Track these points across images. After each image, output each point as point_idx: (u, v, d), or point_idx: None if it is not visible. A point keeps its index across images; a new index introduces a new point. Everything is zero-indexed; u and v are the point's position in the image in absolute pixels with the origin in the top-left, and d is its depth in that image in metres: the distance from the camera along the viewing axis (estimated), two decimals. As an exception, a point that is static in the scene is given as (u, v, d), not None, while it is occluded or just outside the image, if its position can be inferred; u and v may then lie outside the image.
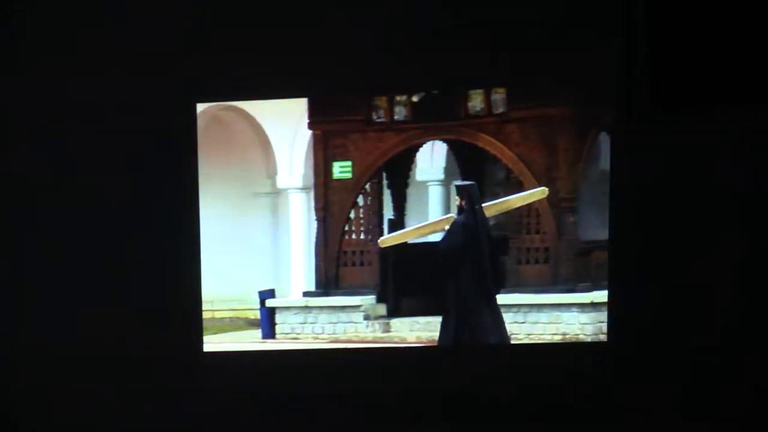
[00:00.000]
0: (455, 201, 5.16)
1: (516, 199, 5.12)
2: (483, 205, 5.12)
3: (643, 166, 4.74)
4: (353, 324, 5.26)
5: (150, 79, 5.00)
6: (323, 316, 5.30)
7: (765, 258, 4.74)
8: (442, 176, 5.40)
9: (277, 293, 5.38)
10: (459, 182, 5.19)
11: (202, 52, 4.94)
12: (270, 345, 5.31)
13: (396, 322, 5.27)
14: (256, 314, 5.34)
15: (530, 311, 5.04)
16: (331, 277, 5.33)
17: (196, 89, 4.98)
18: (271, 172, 5.49)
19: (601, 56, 4.69)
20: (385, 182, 5.33)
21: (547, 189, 5.01)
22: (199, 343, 5.11)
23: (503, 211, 5.17)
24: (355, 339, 5.23)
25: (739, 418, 4.78)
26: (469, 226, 5.09)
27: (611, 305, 4.82)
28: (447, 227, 5.12)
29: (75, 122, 5.08)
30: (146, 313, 5.10)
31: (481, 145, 5.08)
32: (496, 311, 5.03)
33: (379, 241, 5.27)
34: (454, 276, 5.09)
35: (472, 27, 4.80)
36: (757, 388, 4.77)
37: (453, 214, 5.17)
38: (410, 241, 5.24)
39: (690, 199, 4.76)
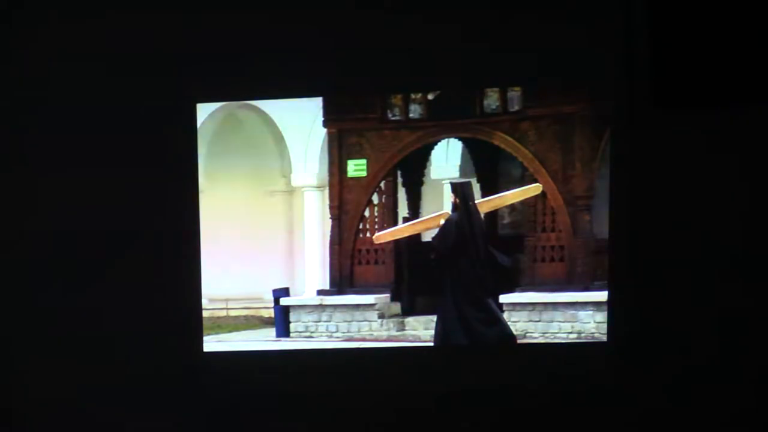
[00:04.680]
0: (450, 198, 5.18)
1: (510, 196, 5.14)
2: (477, 201, 5.13)
3: (643, 166, 4.73)
4: (368, 322, 5.26)
5: (150, 79, 5.00)
6: (337, 315, 5.30)
7: (765, 258, 4.72)
8: (457, 174, 5.40)
9: (291, 292, 5.38)
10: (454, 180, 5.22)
11: (203, 52, 4.94)
12: (283, 344, 5.31)
13: (411, 321, 5.26)
14: (271, 313, 5.34)
15: (545, 309, 5.03)
16: (345, 275, 5.33)
17: (196, 89, 4.99)
18: (286, 171, 5.49)
19: (601, 56, 4.68)
20: (400, 180, 5.33)
21: (541, 186, 5.01)
22: (199, 343, 5.11)
23: (497, 207, 5.19)
24: (369, 337, 5.23)
25: (739, 418, 4.77)
26: (462, 224, 5.10)
27: (611, 305, 4.81)
28: (442, 222, 5.14)
29: (75, 122, 5.08)
30: (146, 313, 5.09)
31: (496, 143, 5.08)
32: (492, 309, 5.03)
33: (374, 237, 5.27)
34: (449, 273, 5.09)
35: (471, 26, 4.81)
36: (757, 388, 4.76)
37: (448, 211, 5.17)
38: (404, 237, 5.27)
39: (690, 199, 4.75)
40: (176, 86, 4.97)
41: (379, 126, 5.19)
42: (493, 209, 5.22)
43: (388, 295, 5.29)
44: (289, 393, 5.01)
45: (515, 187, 5.14)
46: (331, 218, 5.32)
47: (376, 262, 5.33)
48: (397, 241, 5.28)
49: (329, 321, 5.31)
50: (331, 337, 5.30)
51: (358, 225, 5.32)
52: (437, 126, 5.13)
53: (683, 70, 4.60)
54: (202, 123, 5.13)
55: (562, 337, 5.00)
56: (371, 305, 5.28)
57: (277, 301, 5.34)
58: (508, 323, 5.03)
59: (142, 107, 5.01)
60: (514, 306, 5.08)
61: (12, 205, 5.17)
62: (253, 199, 5.46)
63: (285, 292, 5.37)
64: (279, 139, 5.44)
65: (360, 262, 5.34)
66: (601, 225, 4.89)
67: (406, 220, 5.34)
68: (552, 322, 5.02)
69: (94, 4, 5.06)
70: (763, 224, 4.72)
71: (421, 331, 5.20)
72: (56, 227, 5.14)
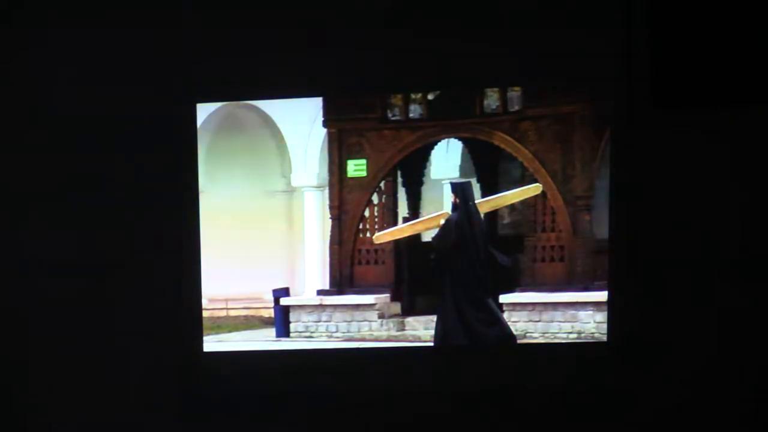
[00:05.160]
0: (450, 198, 5.19)
1: (510, 196, 5.13)
2: (477, 201, 5.13)
3: (643, 166, 4.74)
4: (368, 322, 5.25)
5: (150, 79, 5.00)
6: (337, 315, 5.30)
7: (765, 258, 4.72)
8: (457, 174, 5.39)
9: (291, 292, 5.38)
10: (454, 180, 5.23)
11: (203, 52, 4.94)
12: (283, 344, 5.30)
13: (411, 321, 5.26)
14: (271, 313, 5.33)
15: (545, 309, 5.03)
16: (345, 275, 5.33)
17: (196, 89, 4.98)
18: (286, 171, 5.49)
19: (601, 56, 4.68)
20: (400, 180, 5.32)
21: (541, 186, 5.01)
22: (199, 343, 5.11)
23: (497, 207, 5.19)
24: (369, 337, 5.22)
25: (739, 418, 4.77)
26: (462, 224, 5.10)
27: (611, 305, 4.81)
28: (442, 222, 5.14)
29: (75, 122, 5.08)
30: (146, 313, 5.09)
31: (496, 143, 5.07)
32: (492, 309, 5.03)
33: (374, 237, 5.27)
34: (449, 273, 5.09)
35: (471, 26, 4.81)
36: (757, 388, 4.76)
37: (448, 211, 5.17)
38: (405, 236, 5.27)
39: (690, 199, 4.75)
40: (176, 86, 4.97)
41: (379, 126, 5.19)
42: (493, 209, 5.21)
43: (388, 295, 5.29)
44: (289, 393, 5.00)
45: (515, 187, 5.13)
46: (331, 218, 5.32)
47: (376, 262, 5.32)
48: (397, 241, 5.28)
49: (329, 321, 5.31)
50: (331, 337, 5.30)
51: (358, 225, 5.32)
52: (437, 126, 5.13)
53: (683, 70, 4.60)
54: (202, 123, 5.13)
55: (562, 337, 5.00)
56: (371, 305, 5.28)
57: (277, 301, 5.33)
58: (508, 323, 5.03)
59: (143, 107, 5.01)
60: (514, 306, 5.07)
61: (11, 204, 5.17)
62: (253, 199, 5.45)
63: (285, 292, 5.37)
64: (279, 139, 5.44)
65: (360, 262, 5.34)
66: (601, 225, 4.89)
67: (406, 220, 5.34)
68: (552, 322, 5.01)
69: (94, 5, 5.06)
70: (763, 224, 4.72)
71: (421, 331, 5.20)
72: (55, 227, 5.14)
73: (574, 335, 4.97)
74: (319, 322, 5.33)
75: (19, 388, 5.21)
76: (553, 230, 5.07)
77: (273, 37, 4.93)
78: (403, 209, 5.36)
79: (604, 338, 4.87)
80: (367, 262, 5.33)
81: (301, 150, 5.43)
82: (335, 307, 5.31)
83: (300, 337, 5.33)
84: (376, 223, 5.32)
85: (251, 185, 5.45)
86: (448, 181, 5.36)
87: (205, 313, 5.11)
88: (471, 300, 5.07)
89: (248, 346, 5.24)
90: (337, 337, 5.28)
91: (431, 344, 5.10)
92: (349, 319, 5.28)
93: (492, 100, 5.07)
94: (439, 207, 5.30)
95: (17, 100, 5.13)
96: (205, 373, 5.10)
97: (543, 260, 5.10)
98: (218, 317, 5.31)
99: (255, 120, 5.41)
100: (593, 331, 4.93)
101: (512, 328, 5.02)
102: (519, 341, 5.03)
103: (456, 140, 5.27)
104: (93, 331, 5.13)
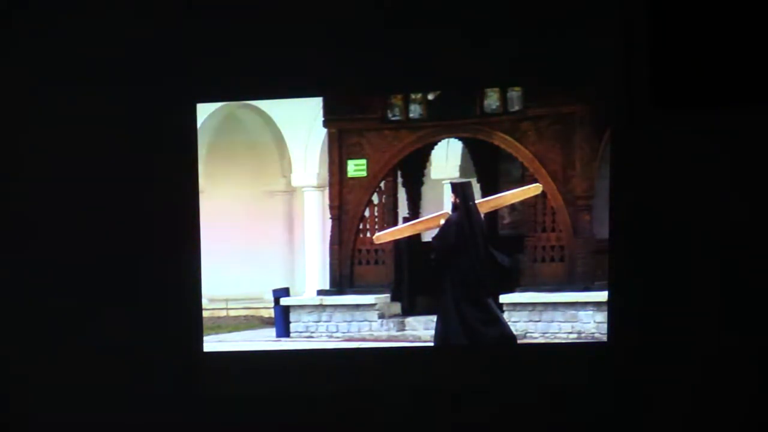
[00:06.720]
0: (450, 198, 5.19)
1: (510, 196, 5.14)
2: (477, 201, 5.14)
3: (643, 166, 4.74)
4: (368, 323, 5.26)
5: (150, 79, 5.00)
6: (338, 315, 5.30)
7: (765, 258, 4.72)
8: (457, 174, 5.40)
9: (291, 292, 5.38)
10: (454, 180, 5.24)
11: (203, 52, 4.94)
12: (283, 344, 5.31)
13: (411, 321, 5.26)
14: (271, 313, 5.34)
15: (545, 310, 5.03)
16: (345, 275, 5.33)
17: (196, 89, 4.99)
18: (286, 171, 5.50)
19: (601, 56, 4.69)
20: (400, 180, 5.33)
21: (541, 186, 5.01)
22: (199, 343, 5.11)
23: (497, 207, 5.20)
24: (369, 337, 5.22)
25: (739, 418, 4.77)
26: (462, 224, 5.10)
27: (611, 305, 4.81)
28: (442, 222, 5.14)
29: (75, 122, 5.08)
30: (146, 313, 5.09)
31: (496, 143, 5.08)
32: (492, 309, 5.03)
33: (374, 237, 5.27)
34: (449, 273, 5.10)
35: (471, 26, 4.81)
36: (757, 389, 4.76)
37: (448, 211, 5.18)
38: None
39: (690, 198, 4.75)
40: (176, 86, 4.97)
41: (379, 126, 5.19)
42: (493, 209, 5.22)
43: (388, 295, 5.29)
44: (289, 393, 5.00)
45: (515, 187, 5.13)
46: (331, 218, 5.32)
47: (376, 262, 5.33)
48: (397, 241, 5.28)
49: (329, 321, 5.31)
50: (331, 337, 5.30)
51: (358, 225, 5.32)
52: (437, 126, 5.13)
53: (682, 70, 4.61)
54: (202, 123, 5.13)
55: (562, 337, 5.00)
56: (371, 305, 5.28)
57: (277, 301, 5.34)
58: (508, 323, 5.03)
59: (143, 108, 5.01)
60: (514, 306, 5.08)
61: (11, 204, 5.17)
62: (253, 199, 5.46)
63: (285, 292, 5.37)
64: (279, 139, 5.45)
65: (360, 262, 5.34)
66: (601, 225, 4.89)
67: (406, 220, 5.34)
68: (552, 322, 5.02)
69: (95, 4, 5.06)
70: (764, 224, 4.72)
71: (421, 331, 5.20)
72: (56, 227, 5.14)
73: (574, 335, 4.98)
74: (319, 322, 5.33)
75: (20, 388, 5.21)
76: (553, 230, 5.08)
77: (273, 37, 4.93)
78: (403, 209, 5.37)
79: (604, 338, 4.88)
80: (367, 262, 5.34)
81: (301, 150, 5.43)
82: (335, 307, 5.31)
83: (300, 337, 5.34)
84: (376, 223, 5.33)
85: (251, 185, 5.45)
86: (448, 181, 5.37)
87: (205, 313, 5.11)
88: (471, 300, 5.07)
89: (248, 346, 5.24)
90: (337, 337, 5.28)
91: (431, 344, 5.10)
92: (349, 319, 5.28)
93: (492, 100, 5.07)
94: (439, 207, 5.31)
95: (17, 99, 5.13)
96: (205, 373, 5.10)
97: (543, 260, 5.10)
98: (218, 317, 5.32)
99: (255, 120, 5.41)
100: (593, 331, 4.93)
101: (512, 328, 5.02)
102: (519, 341, 5.03)
103: (456, 140, 5.28)
104: (93, 331, 5.12)
